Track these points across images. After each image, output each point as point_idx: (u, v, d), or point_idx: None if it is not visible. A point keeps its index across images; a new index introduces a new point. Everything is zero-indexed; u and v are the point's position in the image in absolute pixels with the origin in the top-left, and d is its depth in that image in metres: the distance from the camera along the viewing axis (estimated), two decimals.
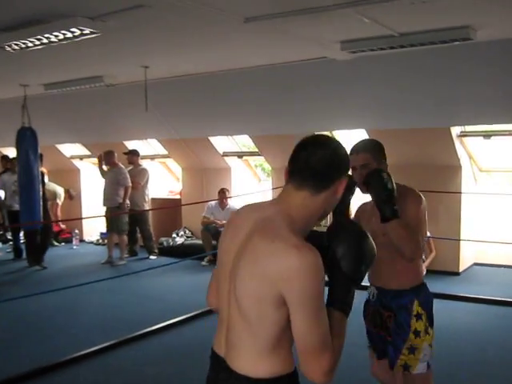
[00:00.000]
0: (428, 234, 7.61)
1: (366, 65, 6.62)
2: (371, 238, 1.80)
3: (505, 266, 7.98)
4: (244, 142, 9.83)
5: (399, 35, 5.21)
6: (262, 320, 1.66)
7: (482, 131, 7.53)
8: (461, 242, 7.71)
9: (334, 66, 6.80)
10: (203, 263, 8.65)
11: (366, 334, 3.15)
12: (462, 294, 6.72)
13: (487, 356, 4.83)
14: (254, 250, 1.66)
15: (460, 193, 7.60)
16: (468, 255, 8.12)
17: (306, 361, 1.63)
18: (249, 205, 1.91)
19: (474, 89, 6.38)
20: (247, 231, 1.73)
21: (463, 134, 7.55)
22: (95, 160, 10.91)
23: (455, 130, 7.41)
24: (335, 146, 1.78)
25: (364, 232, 1.81)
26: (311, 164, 1.73)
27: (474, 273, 8.04)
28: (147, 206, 9.49)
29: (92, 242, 11.17)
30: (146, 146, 10.67)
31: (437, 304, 6.46)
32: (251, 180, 10.11)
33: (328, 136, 1.90)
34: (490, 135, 7.49)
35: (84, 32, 4.63)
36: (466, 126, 7.48)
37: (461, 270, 7.90)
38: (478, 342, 5.16)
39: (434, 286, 6.97)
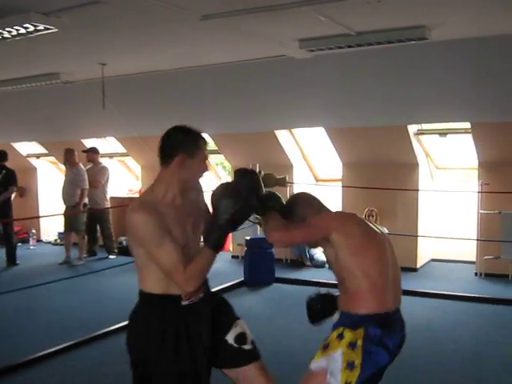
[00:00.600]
0: (386, 230, 7.72)
1: (324, 63, 6.67)
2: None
3: (461, 262, 8.14)
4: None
5: (356, 34, 5.26)
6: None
7: (438, 129, 7.66)
8: (418, 238, 7.83)
9: (293, 65, 6.82)
10: None
11: None
12: (419, 290, 6.81)
13: (444, 350, 4.91)
14: None
15: (417, 190, 7.71)
16: (425, 251, 8.25)
17: (169, 278, 2.39)
18: None
19: (431, 88, 6.49)
20: None
21: (420, 132, 7.67)
22: (53, 158, 10.74)
23: (412, 129, 7.52)
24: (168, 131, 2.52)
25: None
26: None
27: (431, 268, 8.17)
28: (108, 205, 9.38)
29: (50, 242, 10.98)
30: (105, 144, 10.54)
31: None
32: (212, 178, 10.09)
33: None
34: (446, 133, 7.62)
35: (38, 28, 4.55)
36: (423, 125, 7.60)
37: (418, 266, 8.01)
38: (435, 337, 5.25)
39: None
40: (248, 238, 7.34)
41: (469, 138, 7.30)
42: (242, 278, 7.23)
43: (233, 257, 8.94)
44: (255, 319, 5.87)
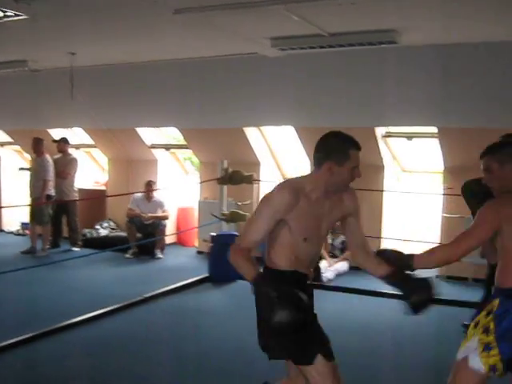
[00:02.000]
0: None
1: (295, 62, 6.71)
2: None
3: None
4: (173, 134, 9.76)
5: (329, 35, 5.31)
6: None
7: (405, 133, 7.75)
8: (382, 239, 7.91)
9: (264, 63, 6.85)
10: (127, 256, 8.53)
11: None
12: (384, 291, 6.89)
13: (402, 350, 4.99)
14: None
15: (382, 191, 7.79)
16: None
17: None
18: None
19: (399, 91, 6.56)
20: None
21: (387, 135, 7.75)
22: (18, 147, 10.55)
23: (380, 131, 7.60)
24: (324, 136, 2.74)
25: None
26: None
27: None
28: (76, 197, 9.27)
29: (12, 232, 10.81)
30: (71, 135, 10.40)
31: (359, 300, 6.67)
32: (179, 173, 10.04)
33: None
34: (412, 137, 7.72)
35: (7, 14, 4.49)
36: (390, 127, 7.69)
37: None
38: (396, 337, 5.32)
39: (357, 282, 7.25)
40: (213, 234, 7.33)
41: (435, 142, 7.41)
42: (207, 274, 7.22)
43: (198, 252, 8.92)
44: (219, 315, 5.90)
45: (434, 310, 5.59)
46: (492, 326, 2.65)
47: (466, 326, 5.25)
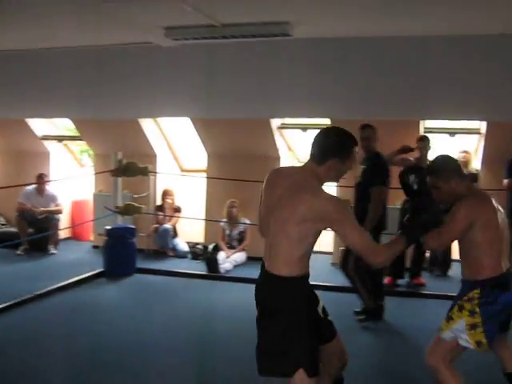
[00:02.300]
0: (248, 221, 7.86)
1: (192, 53, 6.67)
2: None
3: (319, 253, 8.43)
4: (67, 125, 9.43)
5: (222, 26, 5.29)
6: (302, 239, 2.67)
7: (300, 124, 7.90)
8: None
9: (160, 53, 6.76)
10: (18, 252, 8.17)
11: None
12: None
13: None
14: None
15: None
16: None
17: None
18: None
19: (294, 83, 6.66)
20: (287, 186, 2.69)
21: (283, 127, 7.86)
22: None
23: (275, 122, 7.70)
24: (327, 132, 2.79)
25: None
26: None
27: None
28: None
29: None
30: None
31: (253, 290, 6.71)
32: (73, 165, 9.73)
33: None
34: (307, 128, 7.88)
35: None
36: (286, 119, 7.80)
37: None
38: None
39: (254, 272, 7.29)
40: (108, 227, 7.17)
41: None
42: (102, 269, 7.05)
43: (94, 247, 8.69)
44: (114, 310, 5.77)
45: (333, 297, 5.79)
46: (478, 310, 3.09)
47: (358, 313, 5.45)
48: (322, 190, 2.67)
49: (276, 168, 2.97)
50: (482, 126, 7.27)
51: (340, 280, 7.04)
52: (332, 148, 2.66)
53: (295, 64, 6.48)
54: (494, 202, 3.25)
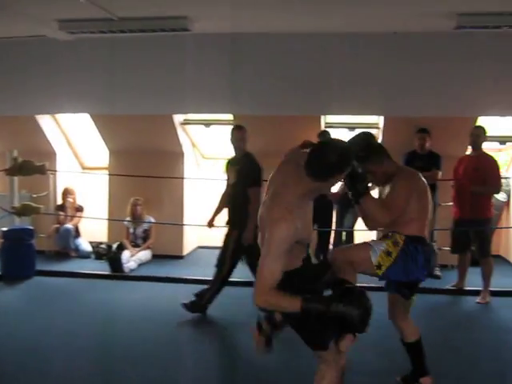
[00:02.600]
0: (152, 219, 7.75)
1: (89, 47, 6.48)
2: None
3: None
4: None
5: (119, 20, 5.16)
6: None
7: (203, 120, 7.86)
8: (184, 226, 7.97)
9: (57, 46, 6.52)
10: None
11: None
12: (185, 277, 6.96)
13: (199, 331, 5.08)
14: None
15: (182, 178, 7.85)
16: (192, 239, 8.43)
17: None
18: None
19: (195, 79, 6.59)
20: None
21: (185, 122, 7.80)
22: None
23: (178, 118, 7.62)
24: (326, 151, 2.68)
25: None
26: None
27: (197, 256, 8.37)
28: None
29: None
30: None
31: (162, 287, 6.66)
32: None
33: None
34: (210, 124, 7.86)
35: None
36: (188, 115, 7.74)
37: (185, 254, 8.18)
38: (194, 321, 5.41)
39: (159, 270, 7.23)
40: (5, 229, 6.86)
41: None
42: None
43: None
44: (13, 315, 5.53)
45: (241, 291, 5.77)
46: (400, 246, 3.41)
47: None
48: (282, 206, 2.65)
49: (284, 159, 2.98)
50: (380, 120, 7.50)
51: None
52: (327, 167, 2.64)
53: (196, 59, 6.42)
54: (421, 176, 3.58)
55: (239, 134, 5.61)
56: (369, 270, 3.42)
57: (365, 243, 3.55)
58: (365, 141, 3.53)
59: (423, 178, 3.58)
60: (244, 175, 5.42)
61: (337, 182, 2.83)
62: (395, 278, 3.48)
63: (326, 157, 2.63)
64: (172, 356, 4.56)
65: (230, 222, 5.71)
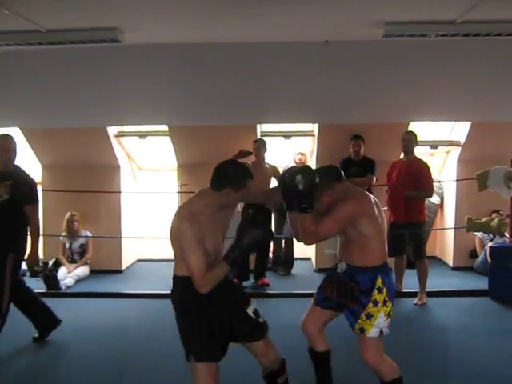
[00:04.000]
0: (89, 233, 7.60)
1: (17, 59, 6.28)
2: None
3: (165, 261, 8.34)
4: None
5: (46, 31, 5.02)
6: None
7: (138, 132, 7.77)
8: (122, 239, 7.85)
9: None
10: None
11: (320, 296, 3.68)
12: (124, 291, 6.85)
13: (141, 348, 4.99)
14: None
15: (119, 192, 7.73)
16: (130, 252, 8.31)
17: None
18: None
19: (129, 90, 6.49)
20: None
21: (120, 134, 7.69)
22: None
23: (112, 130, 7.50)
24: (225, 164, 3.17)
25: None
26: None
27: (137, 269, 8.27)
28: None
29: None
30: None
31: (101, 303, 6.53)
32: None
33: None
34: (146, 135, 7.77)
35: None
36: (124, 126, 7.63)
37: (124, 268, 8.06)
38: (136, 337, 5.31)
39: (98, 285, 7.09)
40: None
41: (167, 140, 7.56)
42: None
43: None
44: None
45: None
46: (387, 298, 3.39)
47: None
48: (188, 209, 3.12)
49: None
50: (315, 128, 7.59)
51: None
52: (228, 179, 3.07)
53: (129, 70, 6.33)
54: (371, 196, 3.51)
55: (6, 144, 4.92)
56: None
57: (374, 337, 3.41)
58: (329, 169, 3.53)
59: (372, 197, 3.51)
60: (20, 191, 4.81)
61: (235, 198, 3.15)
62: None
63: (224, 169, 3.11)
64: (114, 374, 4.47)
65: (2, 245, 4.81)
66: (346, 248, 3.53)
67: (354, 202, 3.36)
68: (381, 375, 3.44)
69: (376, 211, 3.41)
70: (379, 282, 3.38)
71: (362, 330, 3.39)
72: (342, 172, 3.52)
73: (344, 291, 3.49)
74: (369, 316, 3.36)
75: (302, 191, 3.18)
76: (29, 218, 4.86)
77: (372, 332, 3.37)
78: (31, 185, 5.02)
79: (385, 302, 3.38)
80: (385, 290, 3.38)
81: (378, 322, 3.36)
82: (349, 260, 3.51)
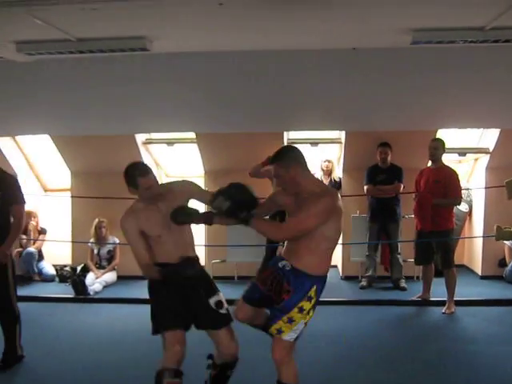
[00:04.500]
0: (117, 240, 7.66)
1: (47, 68, 6.39)
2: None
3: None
4: None
5: (77, 40, 5.10)
6: None
7: (166, 139, 7.83)
8: None
9: (14, 68, 6.42)
10: None
11: (252, 286, 3.72)
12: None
13: None
14: None
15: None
16: None
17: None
18: None
19: (156, 98, 6.56)
20: None
21: (148, 142, 7.76)
22: None
23: (140, 138, 7.58)
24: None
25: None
26: None
27: None
28: None
29: None
30: None
31: (128, 309, 6.57)
32: None
33: None
34: (173, 142, 7.83)
35: None
36: (152, 134, 7.71)
37: None
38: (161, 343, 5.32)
39: (125, 291, 7.15)
40: None
41: (195, 147, 7.61)
42: None
43: None
44: None
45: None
46: (311, 309, 3.41)
47: None
48: (124, 214, 3.76)
49: None
50: (342, 135, 7.57)
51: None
52: (126, 180, 3.68)
53: (157, 78, 6.40)
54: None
55: None
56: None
57: (289, 340, 3.46)
58: (286, 147, 3.90)
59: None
60: (6, 192, 4.79)
61: (140, 194, 3.64)
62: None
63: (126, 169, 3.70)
64: (141, 379, 4.49)
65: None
66: (295, 249, 3.49)
67: (332, 198, 3.38)
68: (280, 374, 3.45)
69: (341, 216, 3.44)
70: (313, 291, 3.40)
71: (280, 332, 3.40)
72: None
73: (276, 288, 3.51)
74: (290, 320, 3.38)
75: (229, 209, 3.40)
76: (14, 217, 4.84)
77: (288, 335, 3.39)
78: (17, 185, 4.99)
79: (309, 312, 3.41)
80: (313, 300, 3.41)
81: (297, 328, 3.40)
82: (294, 261, 3.48)
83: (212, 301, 3.65)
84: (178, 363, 3.55)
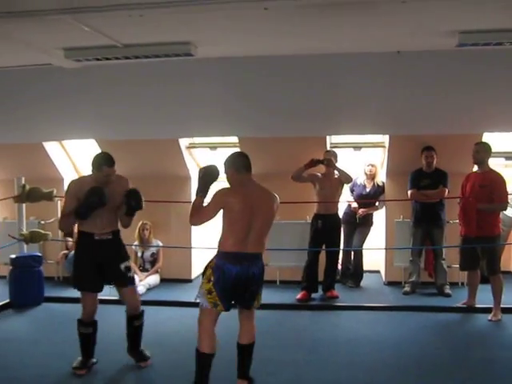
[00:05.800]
0: (160, 243, 7.75)
1: (94, 73, 6.53)
2: None
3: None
4: None
5: (123, 46, 5.21)
6: None
7: (209, 143, 7.90)
8: (192, 249, 7.97)
9: (62, 74, 6.58)
10: None
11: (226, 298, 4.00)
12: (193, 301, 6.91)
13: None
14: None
15: (190, 202, 7.82)
16: (200, 262, 8.39)
17: None
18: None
19: (201, 103, 6.62)
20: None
21: (191, 146, 7.83)
22: None
23: (184, 142, 7.66)
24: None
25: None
26: None
27: None
28: None
29: None
30: None
31: (171, 311, 6.63)
32: None
33: None
34: (216, 147, 7.91)
35: None
36: (194, 138, 7.78)
37: (193, 277, 8.16)
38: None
39: (168, 294, 7.22)
40: (13, 256, 6.87)
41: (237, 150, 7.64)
42: (8, 300, 6.75)
43: None
44: (23, 342, 5.52)
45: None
46: (212, 277, 3.92)
47: None
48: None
49: None
50: (386, 139, 7.51)
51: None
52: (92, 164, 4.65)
53: (200, 83, 6.47)
54: (257, 193, 4.20)
55: None
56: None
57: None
58: (232, 153, 4.54)
59: (255, 194, 4.18)
60: None
61: (102, 178, 4.60)
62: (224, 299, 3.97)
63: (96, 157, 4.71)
64: (184, 381, 4.53)
65: None
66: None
67: (226, 191, 4.20)
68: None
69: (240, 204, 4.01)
70: (213, 260, 4.00)
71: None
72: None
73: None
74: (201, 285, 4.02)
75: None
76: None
77: (197, 293, 4.05)
78: None
79: (209, 280, 3.93)
80: (212, 271, 3.93)
81: (200, 292, 4.01)
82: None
83: (123, 265, 4.70)
84: (91, 317, 4.83)
